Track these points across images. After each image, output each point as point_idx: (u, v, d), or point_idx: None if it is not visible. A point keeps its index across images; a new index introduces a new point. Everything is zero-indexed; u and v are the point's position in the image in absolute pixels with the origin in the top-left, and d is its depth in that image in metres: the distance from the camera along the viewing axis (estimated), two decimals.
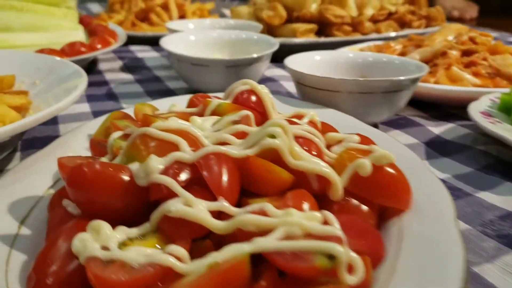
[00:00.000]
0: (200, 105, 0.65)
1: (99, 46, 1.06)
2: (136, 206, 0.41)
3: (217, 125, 0.50)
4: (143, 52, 1.38)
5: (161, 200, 0.39)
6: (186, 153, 0.42)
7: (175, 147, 0.43)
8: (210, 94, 0.66)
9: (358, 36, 1.32)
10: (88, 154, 0.58)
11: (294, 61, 0.86)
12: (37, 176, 0.52)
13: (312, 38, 1.28)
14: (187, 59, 0.93)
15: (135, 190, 0.40)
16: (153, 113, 0.62)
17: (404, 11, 1.45)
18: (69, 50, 1.01)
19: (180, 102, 0.72)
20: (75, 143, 0.60)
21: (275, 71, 1.17)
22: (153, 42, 1.47)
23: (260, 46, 1.02)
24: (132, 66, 1.22)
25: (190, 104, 0.69)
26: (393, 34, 1.38)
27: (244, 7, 1.55)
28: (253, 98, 0.58)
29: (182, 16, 1.56)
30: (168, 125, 0.45)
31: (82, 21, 1.29)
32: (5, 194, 0.47)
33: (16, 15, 1.07)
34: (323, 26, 1.35)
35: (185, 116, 0.58)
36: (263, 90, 0.58)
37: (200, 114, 0.59)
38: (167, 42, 1.00)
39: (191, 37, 1.05)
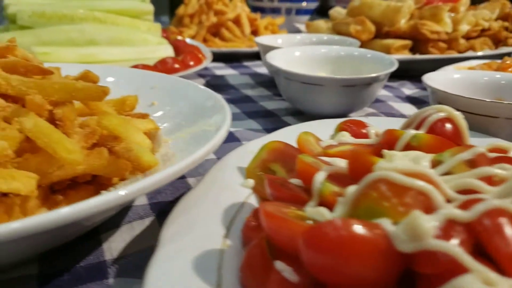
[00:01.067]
0: (354, 131, 0.55)
1: (191, 63, 0.98)
2: (387, 277, 0.31)
3: (443, 166, 0.39)
4: (221, 69, 1.29)
5: (437, 274, 0.29)
6: (456, 210, 0.31)
7: (423, 198, 0.33)
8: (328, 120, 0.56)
9: (455, 54, 1.22)
10: (245, 190, 0.49)
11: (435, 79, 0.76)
12: (205, 224, 0.42)
13: (408, 55, 1.18)
14: (297, 77, 0.84)
15: (394, 256, 0.30)
16: (318, 143, 0.53)
17: (498, 27, 1.34)
18: (162, 67, 0.93)
19: (316, 128, 0.62)
20: (227, 178, 0.50)
21: None
22: (228, 58, 1.39)
23: (372, 65, 0.92)
24: (217, 84, 1.12)
25: (340, 132, 0.59)
26: (489, 52, 1.27)
27: (321, 22, 1.46)
28: (448, 126, 0.48)
29: (254, 31, 1.47)
30: (406, 168, 0.35)
31: None
32: (178, 254, 0.38)
33: (100, 27, 1.00)
34: (416, 42, 1.25)
35: (368, 150, 0.48)
36: (461, 118, 0.48)
37: (380, 147, 0.49)
38: (271, 58, 0.90)
39: (296, 53, 0.96)
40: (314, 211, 0.35)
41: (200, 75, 1.21)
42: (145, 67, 0.89)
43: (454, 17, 1.26)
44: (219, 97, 0.58)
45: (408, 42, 1.22)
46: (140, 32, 1.04)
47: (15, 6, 1.02)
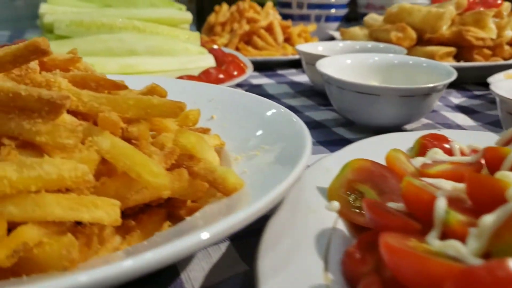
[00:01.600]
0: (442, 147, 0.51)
1: (235, 72, 0.94)
2: None
3: None
4: (256, 79, 1.25)
5: None
6: None
7: None
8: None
9: (501, 61, 1.17)
10: (331, 214, 0.45)
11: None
12: (301, 256, 0.38)
13: (457, 63, 1.14)
14: (351, 87, 0.80)
15: None
16: (409, 161, 0.48)
17: None
18: (206, 78, 0.89)
19: (387, 143, 0.58)
20: (310, 200, 0.46)
21: None
22: (263, 67, 1.35)
23: (426, 74, 0.88)
24: (259, 94, 1.08)
25: (421, 148, 0.55)
26: None
27: (356, 29, 1.42)
28: None
29: (287, 39, 1.44)
30: None
31: None
32: None
33: (139, 37, 0.96)
34: (459, 48, 1.20)
35: (470, 169, 0.44)
36: None
37: (480, 165, 0.45)
38: (321, 65, 0.86)
39: (347, 61, 0.92)
40: (445, 245, 0.31)
41: (237, 85, 1.17)
42: (191, 78, 0.86)
43: (498, 22, 1.21)
44: (289, 113, 0.55)
45: (452, 49, 1.18)
46: (180, 41, 1.01)
47: (51, 16, 0.99)
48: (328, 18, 1.73)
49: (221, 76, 0.90)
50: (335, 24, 1.76)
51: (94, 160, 0.37)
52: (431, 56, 1.16)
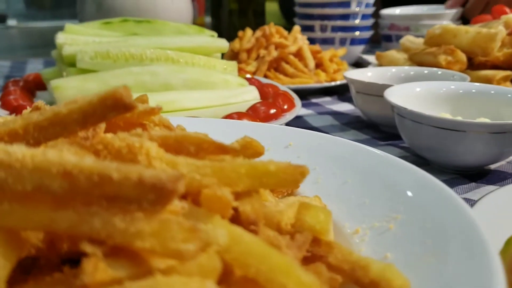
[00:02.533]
0: None
1: (285, 106, 0.83)
2: None
3: None
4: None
5: None
6: None
7: None
8: None
9: None
10: None
11: None
12: None
13: None
14: (431, 121, 0.68)
15: None
16: None
17: None
18: (255, 114, 0.77)
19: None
20: None
21: None
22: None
23: (507, 105, 0.77)
24: (299, 128, 0.97)
25: None
26: None
27: (393, 52, 1.32)
28: None
29: (318, 64, 1.33)
30: None
31: None
32: None
33: (174, 69, 0.85)
34: None
35: None
36: None
37: None
38: (389, 95, 0.75)
39: (417, 89, 0.81)
40: None
41: None
42: (241, 115, 0.74)
43: None
44: (423, 174, 0.43)
45: (510, 73, 1.07)
46: (218, 72, 0.89)
47: (72, 47, 0.88)
48: (353, 41, 1.63)
49: (272, 111, 0.78)
50: (360, 47, 1.66)
51: (216, 269, 0.25)
52: (488, 81, 1.05)
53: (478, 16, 1.37)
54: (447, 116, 0.78)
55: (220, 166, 0.30)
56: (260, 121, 0.76)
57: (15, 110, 0.78)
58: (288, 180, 0.32)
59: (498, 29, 1.12)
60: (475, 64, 1.13)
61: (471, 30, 1.14)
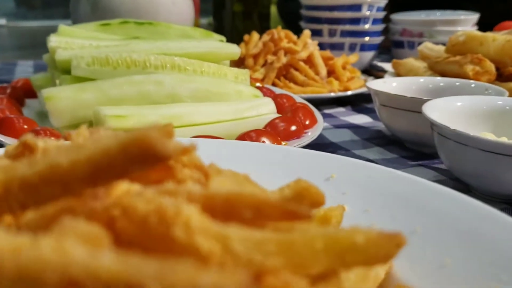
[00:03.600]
0: None
1: (307, 122, 0.73)
2: None
3: None
4: None
5: None
6: None
7: None
8: None
9: None
10: None
11: None
12: None
13: None
14: (483, 144, 0.60)
15: None
16: None
17: None
18: (275, 131, 0.68)
19: None
20: None
21: None
22: None
23: None
24: (316, 144, 0.88)
25: None
26: None
27: (411, 60, 1.23)
28: None
29: (330, 72, 1.24)
30: None
31: None
32: None
33: (181, 78, 0.75)
34: None
35: None
36: None
37: None
38: (428, 111, 0.66)
39: (458, 103, 0.72)
40: None
41: None
42: (260, 133, 0.65)
43: None
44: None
45: None
46: (230, 82, 0.80)
47: (66, 51, 0.78)
48: (363, 47, 1.55)
49: (293, 128, 0.69)
50: (371, 54, 1.57)
51: None
52: None
53: (502, 22, 1.29)
54: (491, 136, 0.69)
55: (289, 240, 0.21)
56: (281, 140, 0.67)
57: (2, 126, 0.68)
58: (379, 256, 0.22)
59: None
60: (504, 75, 1.04)
61: (499, 37, 1.05)
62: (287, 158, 0.48)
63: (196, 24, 2.83)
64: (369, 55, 1.57)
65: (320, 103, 1.19)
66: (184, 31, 0.94)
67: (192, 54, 0.82)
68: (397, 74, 1.22)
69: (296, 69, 1.22)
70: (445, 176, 0.73)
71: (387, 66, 1.30)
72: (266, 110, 0.76)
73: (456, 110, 0.72)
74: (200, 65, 0.79)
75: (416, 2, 1.67)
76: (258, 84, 1.00)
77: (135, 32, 0.91)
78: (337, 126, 1.01)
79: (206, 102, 0.74)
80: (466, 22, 1.52)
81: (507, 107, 0.72)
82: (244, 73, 0.85)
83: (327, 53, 1.28)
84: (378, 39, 1.58)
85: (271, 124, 0.70)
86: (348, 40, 1.53)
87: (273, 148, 0.50)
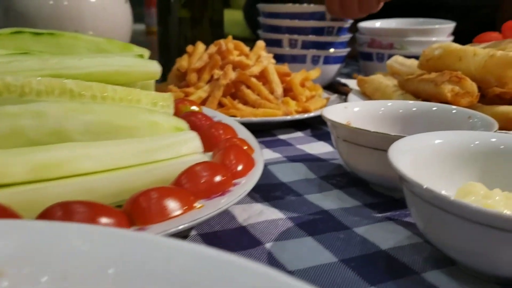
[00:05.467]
0: None
1: (239, 167, 0.55)
2: None
3: None
4: None
5: None
6: None
7: None
8: None
9: None
10: None
11: None
12: None
13: None
14: (475, 215, 0.42)
15: None
16: None
17: None
18: (193, 185, 0.49)
19: None
20: None
21: None
22: (255, 128, 0.97)
23: None
24: (264, 185, 0.70)
25: None
26: None
27: (380, 77, 1.06)
28: None
29: (287, 89, 1.06)
30: None
31: None
32: None
33: (73, 107, 0.56)
34: None
35: None
36: None
37: None
38: (396, 157, 0.48)
39: (436, 141, 0.55)
40: None
41: None
42: (164, 193, 0.46)
43: None
44: None
45: None
46: (143, 110, 0.61)
47: None
48: (328, 60, 1.37)
49: (217, 179, 0.50)
50: (336, 67, 1.40)
51: None
52: (509, 121, 0.81)
53: (483, 33, 1.13)
54: (480, 187, 0.52)
55: None
56: (197, 197, 0.48)
57: None
58: None
59: None
60: (488, 96, 0.88)
61: (481, 52, 0.89)
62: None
63: (149, 31, 2.63)
64: (334, 68, 1.40)
65: (275, 126, 1.02)
66: (97, 43, 0.75)
67: (95, 74, 0.63)
68: (363, 92, 1.05)
69: (248, 87, 1.04)
70: (421, 238, 0.55)
71: (352, 83, 1.13)
72: (188, 149, 0.57)
73: (434, 150, 0.55)
74: (101, 89, 0.60)
75: (387, 9, 1.50)
76: (194, 108, 0.81)
77: (30, 45, 0.72)
78: (292, 159, 0.83)
79: (106, 140, 0.55)
80: (441, 32, 1.36)
81: (502, 146, 0.55)
82: (165, 98, 0.66)
83: (284, 68, 1.10)
84: (344, 51, 1.41)
85: (188, 174, 0.51)
86: (310, 52, 1.36)
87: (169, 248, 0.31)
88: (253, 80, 1.03)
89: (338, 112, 0.74)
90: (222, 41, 1.08)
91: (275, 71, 1.06)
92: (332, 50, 1.38)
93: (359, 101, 0.86)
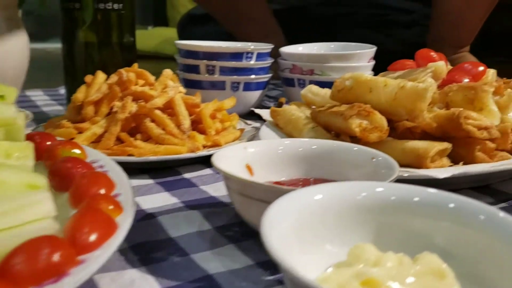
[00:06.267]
0: None
1: (92, 237, 0.46)
2: None
3: None
4: (147, 196, 0.78)
5: None
6: None
7: None
8: None
9: None
10: None
11: None
12: None
13: (457, 167, 0.74)
14: None
15: None
16: None
17: None
18: (25, 268, 0.40)
19: None
20: None
21: None
22: (157, 167, 0.89)
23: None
24: (147, 248, 0.61)
25: None
26: None
27: (293, 108, 1.00)
28: None
29: (198, 121, 0.98)
30: None
31: None
32: None
33: None
34: (446, 140, 0.82)
35: None
36: None
37: None
38: (273, 221, 0.41)
39: (317, 197, 0.47)
40: None
41: None
42: None
43: (498, 101, 0.86)
44: None
45: (448, 146, 0.79)
46: None
47: None
48: (248, 86, 1.31)
49: (55, 258, 0.41)
50: (257, 93, 1.34)
51: None
52: (419, 158, 0.76)
53: (397, 61, 1.09)
54: (371, 250, 0.45)
55: None
56: (25, 285, 0.39)
57: None
58: None
59: (427, 82, 0.84)
60: (398, 130, 0.83)
61: (392, 83, 0.85)
62: None
63: None
64: (255, 94, 1.34)
65: (180, 163, 0.93)
66: None
67: None
68: (276, 124, 0.99)
69: (153, 120, 0.95)
70: None
71: (266, 113, 1.06)
72: (34, 214, 0.48)
73: (317, 208, 0.48)
74: None
75: (310, 33, 1.47)
76: (75, 151, 0.71)
77: None
78: (189, 205, 0.75)
79: None
80: (362, 57, 1.33)
81: (393, 197, 0.48)
82: (23, 148, 0.56)
83: (193, 98, 1.02)
84: (265, 77, 1.35)
85: (20, 252, 0.42)
86: (229, 79, 1.29)
87: None
88: (157, 112, 0.94)
89: (236, 155, 0.67)
90: (123, 70, 0.99)
91: (183, 102, 0.98)
92: (253, 76, 1.31)
93: (257, 141, 0.80)
